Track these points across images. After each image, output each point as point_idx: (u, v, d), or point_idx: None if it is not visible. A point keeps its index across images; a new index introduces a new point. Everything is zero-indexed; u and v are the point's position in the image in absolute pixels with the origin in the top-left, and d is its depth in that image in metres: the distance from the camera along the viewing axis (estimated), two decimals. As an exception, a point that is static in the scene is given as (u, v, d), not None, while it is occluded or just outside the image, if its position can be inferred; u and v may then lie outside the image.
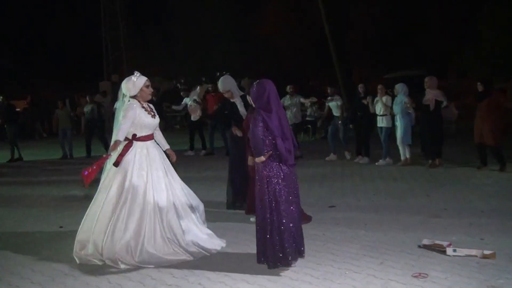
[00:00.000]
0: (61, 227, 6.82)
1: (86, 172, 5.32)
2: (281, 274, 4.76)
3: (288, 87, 13.24)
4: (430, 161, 10.60)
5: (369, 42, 29.33)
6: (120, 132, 5.40)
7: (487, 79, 11.12)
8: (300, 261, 5.04)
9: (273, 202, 4.81)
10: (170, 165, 5.78)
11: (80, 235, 5.48)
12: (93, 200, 5.54)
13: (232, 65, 30.82)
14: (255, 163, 5.02)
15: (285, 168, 4.91)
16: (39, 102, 25.28)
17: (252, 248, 5.35)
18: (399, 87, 10.85)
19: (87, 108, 15.14)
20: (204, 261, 5.23)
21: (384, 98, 11.19)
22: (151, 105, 5.75)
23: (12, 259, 5.56)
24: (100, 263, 5.20)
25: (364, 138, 11.87)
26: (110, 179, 5.42)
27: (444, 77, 24.38)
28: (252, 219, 6.69)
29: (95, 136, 14.91)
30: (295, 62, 29.65)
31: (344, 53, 27.39)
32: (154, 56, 32.02)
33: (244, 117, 7.23)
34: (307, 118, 17.52)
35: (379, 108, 11.20)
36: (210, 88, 15.68)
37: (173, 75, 32.65)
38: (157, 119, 5.68)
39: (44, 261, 5.43)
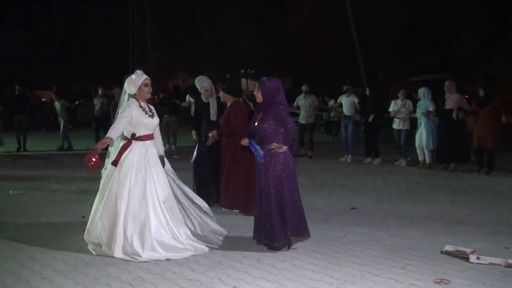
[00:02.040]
0: (83, 217, 6.87)
1: (91, 161, 5.28)
2: (301, 273, 4.74)
3: (303, 86, 13.19)
4: (443, 165, 10.61)
5: (395, 45, 29.04)
6: (113, 130, 5.41)
7: (489, 85, 11.19)
8: (320, 261, 5.06)
9: (278, 189, 5.32)
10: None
11: (89, 232, 5.56)
12: (96, 198, 5.61)
13: (257, 64, 30.84)
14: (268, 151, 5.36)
15: (292, 164, 5.44)
16: (65, 93, 25.58)
17: (266, 249, 5.42)
18: (422, 92, 10.80)
19: (97, 101, 15.29)
20: (224, 257, 5.23)
21: (405, 102, 11.24)
22: (151, 106, 5.77)
23: (35, 247, 5.63)
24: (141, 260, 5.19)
25: (373, 139, 11.92)
26: (109, 178, 5.47)
27: (471, 82, 24.06)
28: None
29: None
30: (320, 63, 29.48)
31: (370, 55, 27.15)
32: (180, 52, 32.16)
33: (214, 119, 7.40)
34: (331, 119, 17.47)
35: (397, 111, 11.31)
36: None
37: (197, 72, 32.77)
38: (155, 120, 5.67)
39: (67, 250, 5.50)
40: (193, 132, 7.82)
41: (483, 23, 26.37)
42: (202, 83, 7.55)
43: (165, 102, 14.77)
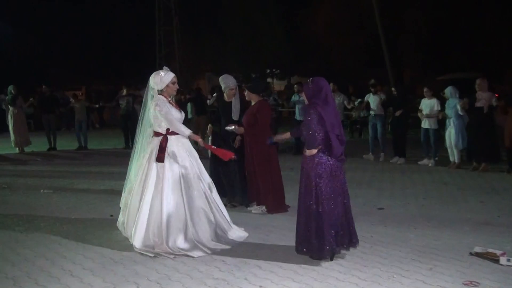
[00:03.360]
0: (111, 216, 6.98)
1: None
2: (328, 274, 4.73)
3: (330, 85, 13.12)
4: (474, 164, 10.46)
5: (422, 43, 28.69)
6: (180, 125, 5.64)
7: None
8: (347, 262, 5.03)
9: (317, 195, 4.99)
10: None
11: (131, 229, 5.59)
12: (134, 195, 5.64)
13: (282, 62, 30.83)
14: (303, 155, 5.17)
15: (332, 162, 5.05)
16: (92, 94, 26.02)
17: (293, 249, 5.35)
18: (449, 91, 10.69)
19: (122, 101, 15.47)
20: (251, 257, 5.25)
21: (431, 101, 11.17)
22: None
23: (65, 245, 5.74)
24: (151, 255, 5.29)
25: (399, 138, 11.86)
26: (153, 174, 5.50)
27: (500, 82, 23.61)
28: (254, 210, 7.03)
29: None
30: (345, 63, 29.29)
31: (396, 54, 26.87)
32: (205, 52, 32.34)
33: (236, 119, 7.32)
34: (354, 118, 17.43)
35: (426, 110, 11.19)
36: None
37: (223, 72, 32.89)
38: (182, 114, 5.81)
39: (96, 248, 5.59)
40: (209, 126, 7.71)
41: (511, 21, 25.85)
42: (227, 82, 7.45)
43: (193, 100, 14.93)
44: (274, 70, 33.01)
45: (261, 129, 6.97)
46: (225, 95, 7.54)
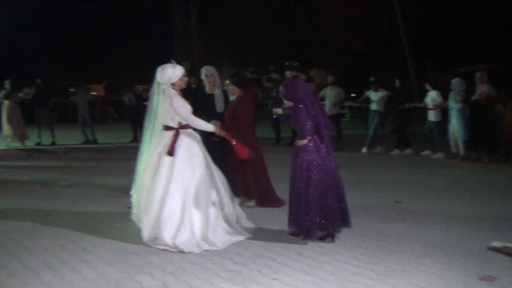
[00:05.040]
0: (128, 207, 7.02)
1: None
2: (342, 267, 4.71)
3: (329, 78, 13.24)
4: (474, 156, 10.66)
5: (443, 34, 28.27)
6: (196, 119, 5.66)
7: None
8: (362, 256, 5.01)
9: (308, 182, 5.39)
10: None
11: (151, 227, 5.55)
12: (145, 189, 5.65)
13: (300, 55, 30.70)
14: (295, 146, 5.60)
15: (323, 150, 5.50)
16: (113, 86, 26.23)
17: (309, 242, 5.42)
18: (454, 82, 10.76)
19: (125, 98, 15.56)
20: (265, 249, 5.25)
21: (433, 93, 11.34)
22: None
23: (82, 236, 5.81)
24: (161, 247, 5.30)
25: (401, 130, 12.04)
26: (165, 168, 5.50)
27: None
28: (249, 203, 6.95)
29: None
30: (364, 54, 29.03)
31: (416, 45, 26.53)
32: (224, 44, 32.32)
33: (221, 111, 7.14)
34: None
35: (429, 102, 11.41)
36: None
37: (242, 64, 32.90)
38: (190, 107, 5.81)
39: (112, 240, 5.64)
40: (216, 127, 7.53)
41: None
42: (205, 69, 7.27)
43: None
44: (292, 62, 32.89)
45: (241, 123, 6.89)
46: (206, 87, 7.34)
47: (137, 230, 5.76)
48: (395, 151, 11.91)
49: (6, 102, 15.00)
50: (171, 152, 5.52)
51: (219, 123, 6.32)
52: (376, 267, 4.70)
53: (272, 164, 7.79)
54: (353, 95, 20.81)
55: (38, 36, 31.80)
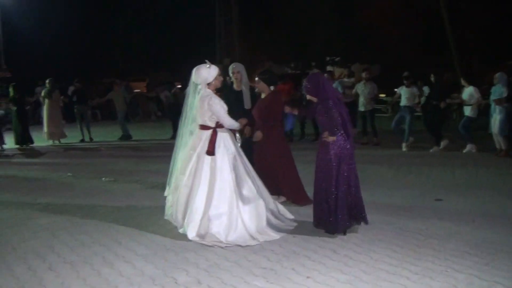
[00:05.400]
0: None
1: None
2: (378, 266, 4.63)
3: (363, 73, 13.03)
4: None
5: (491, 26, 27.38)
6: (230, 119, 5.70)
7: None
8: (398, 255, 4.92)
9: (337, 178, 5.50)
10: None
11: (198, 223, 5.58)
12: (183, 188, 5.69)
13: (341, 50, 30.35)
14: (322, 141, 5.64)
15: (349, 146, 5.58)
16: (154, 84, 26.59)
17: (344, 240, 5.38)
18: (498, 77, 10.51)
19: (162, 96, 15.69)
20: (300, 247, 5.22)
21: (471, 89, 11.12)
22: None
23: (121, 231, 5.92)
24: (207, 243, 5.34)
25: (436, 127, 11.83)
26: (205, 167, 5.56)
27: None
28: (279, 200, 6.79)
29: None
30: (402, 49, 28.39)
31: (462, 39, 25.78)
32: (265, 41, 32.27)
33: (249, 107, 7.14)
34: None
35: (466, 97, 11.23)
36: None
37: (284, 61, 32.79)
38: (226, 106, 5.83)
39: (149, 235, 5.73)
40: (244, 125, 7.48)
41: None
42: (232, 66, 7.34)
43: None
44: (333, 57, 32.54)
45: (274, 122, 6.87)
46: (234, 84, 7.40)
47: (174, 226, 5.84)
48: (435, 148, 11.62)
49: (46, 101, 15.48)
50: (211, 151, 5.56)
51: (246, 124, 6.43)
52: (412, 267, 4.60)
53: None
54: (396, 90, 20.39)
55: (87, 36, 32.62)
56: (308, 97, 5.85)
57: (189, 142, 5.80)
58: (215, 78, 5.68)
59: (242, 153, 5.85)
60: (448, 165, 9.89)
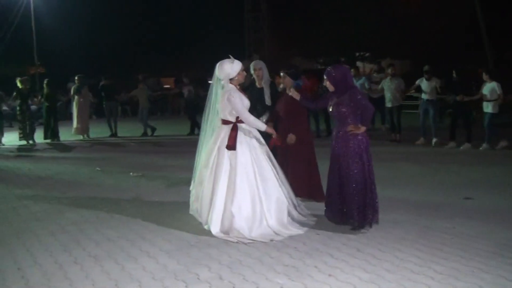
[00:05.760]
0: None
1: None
2: (402, 265, 4.56)
3: (389, 69, 12.85)
4: None
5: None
6: (251, 116, 5.68)
7: None
8: (424, 254, 4.83)
9: (369, 169, 5.59)
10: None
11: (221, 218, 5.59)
12: (206, 183, 5.69)
13: (373, 45, 29.95)
14: (342, 135, 5.60)
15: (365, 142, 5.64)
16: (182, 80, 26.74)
17: (369, 238, 5.31)
18: None
19: (184, 90, 15.72)
20: (323, 244, 5.18)
21: (493, 84, 10.91)
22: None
23: (146, 227, 5.97)
24: (232, 240, 5.35)
25: (464, 124, 11.62)
26: (225, 162, 5.56)
27: None
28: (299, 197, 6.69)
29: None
30: (442, 44, 27.84)
31: (499, 35, 25.12)
32: (294, 36, 32.11)
33: (270, 103, 7.13)
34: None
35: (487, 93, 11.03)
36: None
37: (313, 55, 32.59)
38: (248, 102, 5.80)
39: (173, 231, 5.76)
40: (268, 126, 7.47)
41: None
42: (253, 64, 7.42)
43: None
44: (363, 53, 32.18)
45: (297, 119, 6.80)
46: (256, 82, 7.44)
47: (199, 222, 5.87)
48: (466, 145, 11.38)
49: (76, 97, 15.83)
50: (231, 146, 5.56)
51: (271, 123, 6.37)
52: (438, 267, 4.50)
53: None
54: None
55: (119, 32, 33.11)
56: (327, 84, 5.75)
57: (212, 136, 5.82)
58: (238, 73, 5.68)
59: (264, 147, 5.82)
60: (478, 163, 9.69)
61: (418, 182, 8.14)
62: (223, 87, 5.70)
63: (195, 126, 15.33)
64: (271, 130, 5.89)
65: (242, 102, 5.62)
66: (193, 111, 15.76)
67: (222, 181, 5.51)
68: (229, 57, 5.74)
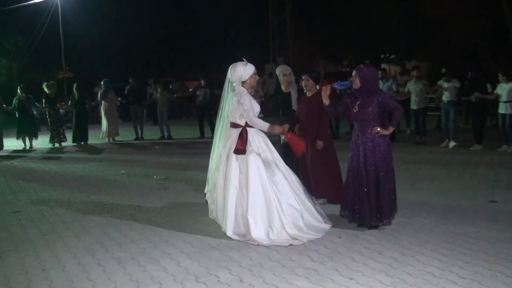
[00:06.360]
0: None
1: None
2: (424, 269, 4.51)
3: (414, 71, 12.75)
4: None
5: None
6: (257, 119, 5.62)
7: None
8: (447, 258, 4.77)
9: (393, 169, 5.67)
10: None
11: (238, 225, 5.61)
12: (218, 188, 5.73)
13: (398, 47, 29.66)
14: (377, 133, 5.55)
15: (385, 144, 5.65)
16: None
17: (391, 242, 5.27)
18: None
19: (200, 92, 15.72)
20: (344, 247, 5.16)
21: (507, 85, 10.74)
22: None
23: (169, 229, 6.02)
24: (265, 244, 5.32)
25: (478, 124, 11.59)
26: (234, 166, 5.56)
27: None
28: (320, 200, 6.68)
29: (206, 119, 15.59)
30: (467, 46, 27.41)
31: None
32: (319, 39, 31.98)
33: (295, 108, 7.10)
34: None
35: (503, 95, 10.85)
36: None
37: (337, 58, 32.44)
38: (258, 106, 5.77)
39: (195, 234, 5.79)
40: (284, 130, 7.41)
41: None
42: (281, 68, 7.44)
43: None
44: (388, 55, 31.90)
45: (319, 122, 6.75)
46: (282, 86, 7.43)
47: (220, 225, 5.89)
48: (475, 146, 11.31)
49: (103, 102, 16.11)
50: (240, 150, 5.55)
51: (287, 126, 6.39)
52: (460, 271, 4.44)
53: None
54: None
55: (146, 38, 33.52)
56: (355, 80, 5.66)
57: (223, 140, 5.82)
58: (251, 77, 5.67)
59: (275, 152, 5.78)
60: (505, 166, 9.50)
61: (443, 185, 8.04)
62: (234, 90, 5.69)
63: (203, 129, 15.53)
64: (278, 130, 5.81)
65: (252, 107, 5.59)
66: (203, 114, 15.81)
67: (232, 184, 5.52)
68: (242, 60, 5.73)
